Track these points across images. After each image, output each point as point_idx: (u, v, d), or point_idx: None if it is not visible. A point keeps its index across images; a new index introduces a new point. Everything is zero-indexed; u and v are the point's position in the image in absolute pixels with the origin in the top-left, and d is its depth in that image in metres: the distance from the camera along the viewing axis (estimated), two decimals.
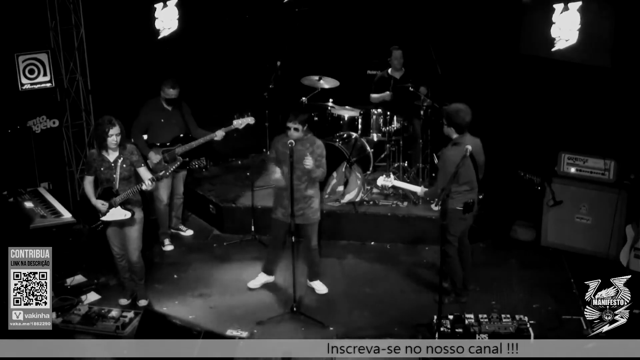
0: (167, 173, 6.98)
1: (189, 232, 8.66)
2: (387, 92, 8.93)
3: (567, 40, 8.56)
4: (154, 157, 7.87)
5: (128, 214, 6.71)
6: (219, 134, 7.98)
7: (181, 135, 8.02)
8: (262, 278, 7.47)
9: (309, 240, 7.27)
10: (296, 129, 6.87)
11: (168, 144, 7.97)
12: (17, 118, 8.43)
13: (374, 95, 9.09)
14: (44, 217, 7.15)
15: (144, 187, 6.68)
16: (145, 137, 8.00)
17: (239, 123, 7.97)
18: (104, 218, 6.73)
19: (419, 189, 6.99)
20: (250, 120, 8.07)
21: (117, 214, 6.71)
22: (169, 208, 8.28)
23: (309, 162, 6.85)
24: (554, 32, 8.63)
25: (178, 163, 7.44)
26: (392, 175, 7.11)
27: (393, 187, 7.35)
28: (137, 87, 8.78)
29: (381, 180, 6.98)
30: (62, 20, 8.58)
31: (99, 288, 7.39)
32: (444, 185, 6.46)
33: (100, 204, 6.67)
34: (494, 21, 9.26)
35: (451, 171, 6.47)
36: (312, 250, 7.28)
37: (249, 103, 8.63)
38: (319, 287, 7.43)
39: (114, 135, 6.58)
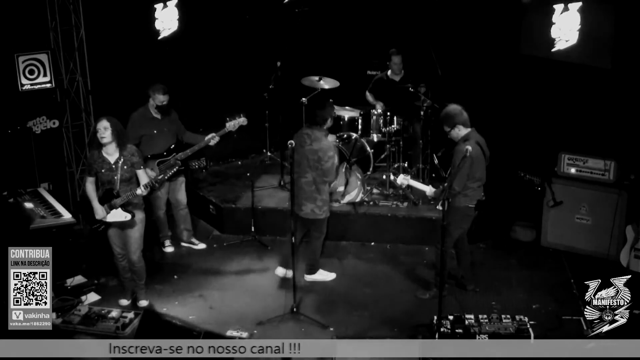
0: (165, 177, 6.93)
1: (202, 246, 8.32)
2: (381, 103, 8.97)
3: (567, 41, 8.56)
4: (151, 173, 7.33)
5: (128, 216, 6.70)
6: (214, 139, 7.73)
7: (174, 143, 7.80)
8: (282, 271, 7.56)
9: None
10: None
11: (163, 154, 7.74)
12: (17, 118, 8.42)
13: (369, 96, 9.11)
14: (44, 218, 7.14)
15: (138, 192, 6.66)
16: None
17: (232, 125, 7.76)
18: (104, 219, 6.74)
19: (427, 189, 7.00)
20: (242, 121, 7.82)
21: (118, 215, 6.70)
22: (177, 215, 8.14)
23: None
24: (554, 32, 8.62)
25: (176, 168, 7.20)
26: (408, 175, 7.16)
27: (408, 186, 7.31)
28: (137, 87, 8.74)
29: (401, 179, 7.01)
30: (62, 21, 8.57)
31: (99, 288, 7.39)
32: (459, 183, 6.52)
33: (101, 210, 6.66)
34: (494, 21, 9.26)
35: (467, 165, 6.53)
36: None
37: (249, 103, 8.63)
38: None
39: (102, 129, 6.53)
